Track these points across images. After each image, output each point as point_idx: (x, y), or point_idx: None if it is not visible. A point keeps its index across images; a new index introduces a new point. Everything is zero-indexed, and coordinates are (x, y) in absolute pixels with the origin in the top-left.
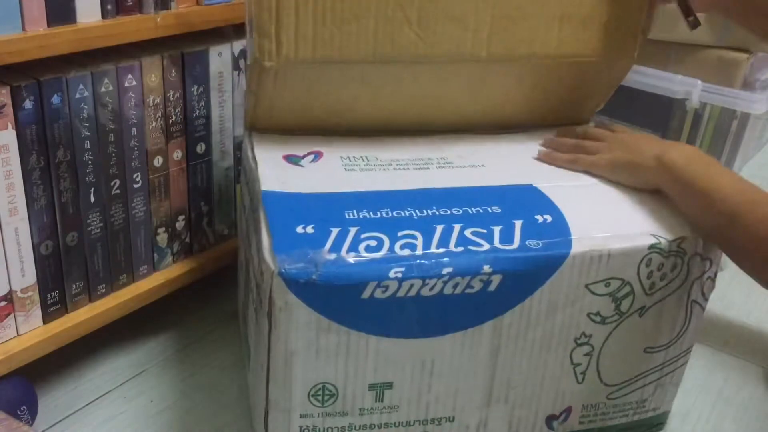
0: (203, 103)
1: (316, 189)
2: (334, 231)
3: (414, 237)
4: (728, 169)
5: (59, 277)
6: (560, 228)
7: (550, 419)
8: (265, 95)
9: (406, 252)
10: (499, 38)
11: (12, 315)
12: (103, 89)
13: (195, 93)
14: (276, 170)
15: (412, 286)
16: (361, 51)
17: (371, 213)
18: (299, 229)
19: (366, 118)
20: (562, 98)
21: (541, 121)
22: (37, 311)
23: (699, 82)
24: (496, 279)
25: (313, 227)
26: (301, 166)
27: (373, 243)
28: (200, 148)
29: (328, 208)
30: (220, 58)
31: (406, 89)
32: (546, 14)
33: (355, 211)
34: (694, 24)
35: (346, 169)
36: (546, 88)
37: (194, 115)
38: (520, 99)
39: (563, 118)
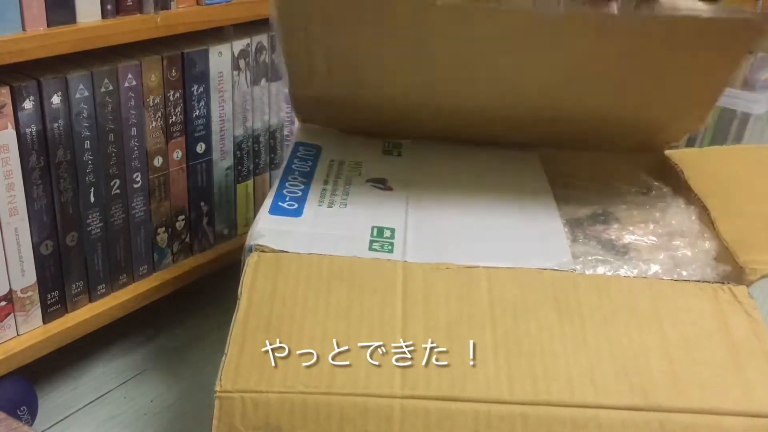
0: (203, 103)
1: None
2: None
3: None
4: None
5: (59, 277)
6: None
7: None
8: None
9: None
10: None
11: (12, 315)
12: (103, 89)
13: (195, 93)
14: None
15: None
16: None
17: None
18: None
19: (414, 100)
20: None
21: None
22: (37, 311)
23: None
24: None
25: None
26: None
27: None
28: (200, 148)
29: None
30: (220, 58)
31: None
32: None
33: None
34: None
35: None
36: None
37: (194, 115)
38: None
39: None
